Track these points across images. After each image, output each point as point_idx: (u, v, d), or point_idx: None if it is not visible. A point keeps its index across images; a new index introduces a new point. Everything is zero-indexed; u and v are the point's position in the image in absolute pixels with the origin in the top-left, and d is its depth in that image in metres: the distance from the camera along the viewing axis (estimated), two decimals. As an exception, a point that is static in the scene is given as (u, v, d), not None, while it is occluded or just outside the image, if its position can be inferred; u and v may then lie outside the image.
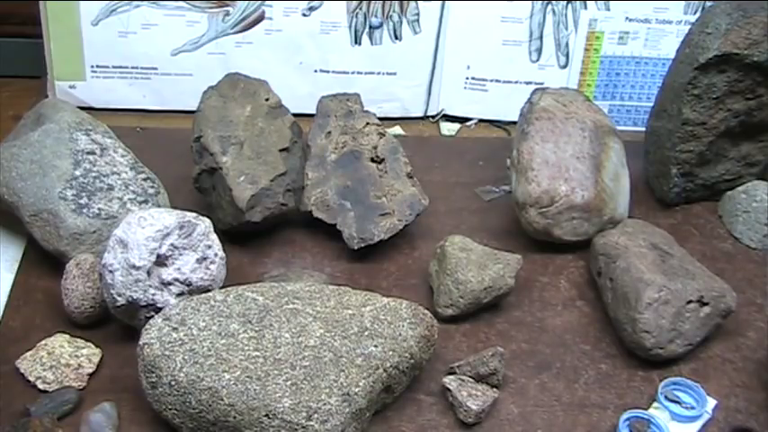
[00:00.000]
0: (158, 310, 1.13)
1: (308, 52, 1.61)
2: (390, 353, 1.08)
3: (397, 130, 1.63)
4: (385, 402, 1.11)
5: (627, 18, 1.60)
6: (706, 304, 1.19)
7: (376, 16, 1.59)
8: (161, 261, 1.15)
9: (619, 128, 1.46)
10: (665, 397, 1.14)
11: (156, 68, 1.60)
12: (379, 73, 1.64)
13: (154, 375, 1.04)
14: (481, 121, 1.67)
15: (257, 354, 1.05)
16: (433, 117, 1.67)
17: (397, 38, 1.61)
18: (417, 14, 1.60)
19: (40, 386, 1.11)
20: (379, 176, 1.36)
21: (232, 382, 1.02)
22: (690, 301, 1.18)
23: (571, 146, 1.35)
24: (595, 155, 1.36)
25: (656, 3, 1.59)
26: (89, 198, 1.26)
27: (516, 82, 1.64)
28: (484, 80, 1.65)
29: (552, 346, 1.23)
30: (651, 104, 1.50)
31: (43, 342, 1.16)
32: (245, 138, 1.35)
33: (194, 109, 1.40)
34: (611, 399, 1.16)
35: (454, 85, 1.65)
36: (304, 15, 1.58)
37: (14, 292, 1.25)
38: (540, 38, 1.61)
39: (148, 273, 1.13)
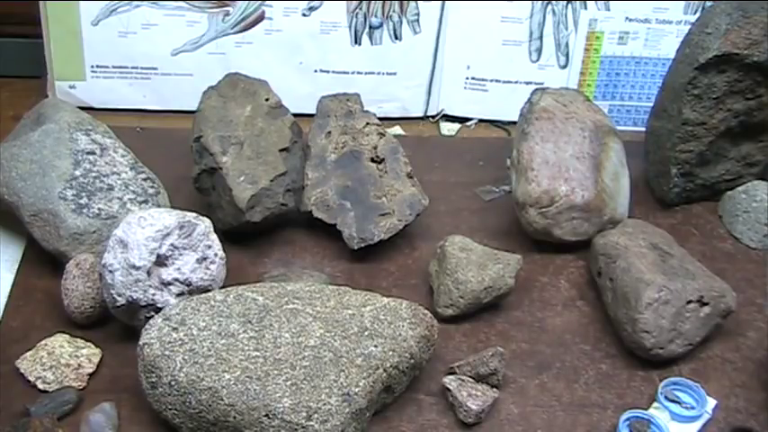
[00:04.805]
0: (158, 310, 1.13)
1: (308, 52, 1.61)
2: (390, 353, 1.08)
3: (397, 130, 1.63)
4: (385, 402, 1.11)
5: (627, 18, 1.60)
6: (706, 304, 1.19)
7: (376, 16, 1.59)
8: (161, 261, 1.15)
9: (619, 128, 1.46)
10: (665, 397, 1.14)
11: (156, 68, 1.60)
12: (379, 73, 1.64)
13: (154, 375, 1.04)
14: (481, 121, 1.67)
15: (257, 354, 1.05)
16: (433, 117, 1.67)
17: (397, 38, 1.61)
18: (417, 14, 1.60)
19: (40, 386, 1.11)
20: (379, 176, 1.36)
21: (232, 382, 1.02)
22: (690, 301, 1.18)
23: (571, 146, 1.35)
24: (595, 155, 1.36)
25: (656, 3, 1.59)
26: (89, 198, 1.26)
27: (516, 82, 1.64)
28: (484, 80, 1.65)
29: (552, 346, 1.23)
30: (651, 104, 1.50)
31: (43, 342, 1.16)
32: (245, 138, 1.35)
33: (194, 109, 1.40)
34: (611, 399, 1.16)
35: (454, 85, 1.65)
36: (304, 15, 1.58)
37: (14, 292, 1.25)
38: (540, 38, 1.61)
39: (148, 273, 1.13)
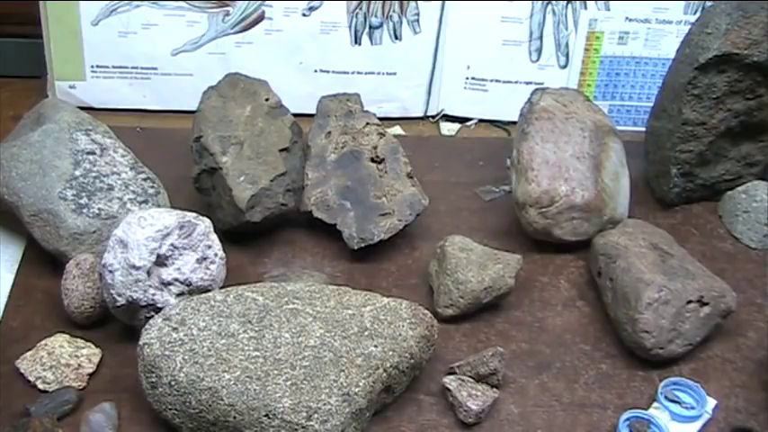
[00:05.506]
0: (158, 310, 1.13)
1: (308, 52, 1.61)
2: (390, 353, 1.08)
3: (397, 130, 1.63)
4: (385, 402, 1.11)
5: (627, 18, 1.60)
6: (706, 304, 1.19)
7: (376, 16, 1.59)
8: (161, 261, 1.15)
9: (619, 128, 1.46)
10: (665, 397, 1.14)
11: (156, 68, 1.60)
12: (379, 73, 1.64)
13: (154, 375, 1.04)
14: (481, 121, 1.67)
15: (257, 354, 1.05)
16: (433, 117, 1.67)
17: (397, 38, 1.61)
18: (417, 14, 1.60)
19: (40, 386, 1.11)
20: (379, 176, 1.36)
21: (232, 382, 1.02)
22: (690, 301, 1.18)
23: (571, 146, 1.35)
24: (595, 155, 1.36)
25: (656, 3, 1.59)
26: (89, 198, 1.26)
27: (516, 82, 1.64)
28: (484, 80, 1.65)
29: (552, 346, 1.23)
30: (651, 104, 1.50)
31: (43, 342, 1.16)
32: (245, 138, 1.35)
33: (194, 109, 1.40)
34: (611, 399, 1.16)
35: (454, 85, 1.65)
36: (304, 15, 1.58)
37: (14, 292, 1.25)
38: (540, 38, 1.61)
39: (148, 273, 1.13)
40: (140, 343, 1.06)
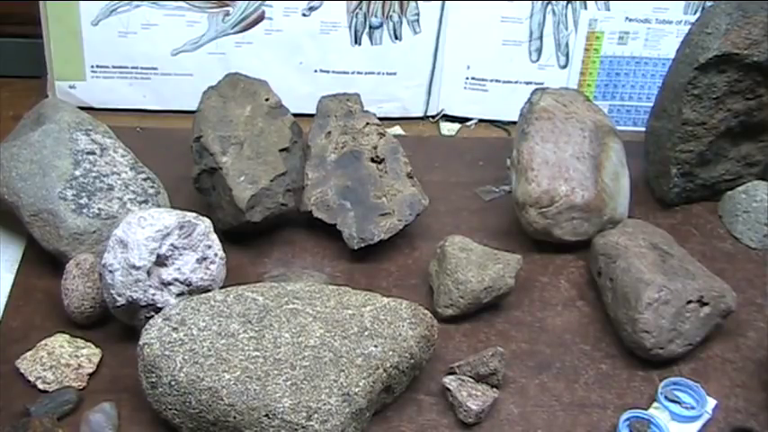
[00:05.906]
0: (158, 310, 1.13)
1: (308, 52, 1.61)
2: (390, 353, 1.08)
3: (397, 130, 1.63)
4: (385, 402, 1.11)
5: (627, 18, 1.60)
6: (706, 304, 1.19)
7: (376, 16, 1.59)
8: (161, 261, 1.15)
9: (619, 128, 1.46)
10: (665, 397, 1.14)
11: (156, 68, 1.60)
12: (379, 73, 1.64)
13: (154, 375, 1.04)
14: (481, 121, 1.67)
15: (257, 354, 1.05)
16: (433, 117, 1.67)
17: (397, 38, 1.61)
18: (417, 14, 1.60)
19: (40, 386, 1.11)
20: (379, 176, 1.36)
21: (232, 382, 1.02)
22: (690, 301, 1.18)
23: (571, 146, 1.35)
24: (595, 155, 1.36)
25: (656, 3, 1.59)
26: (89, 198, 1.26)
27: (516, 82, 1.64)
28: (484, 80, 1.65)
29: (552, 346, 1.23)
30: (651, 104, 1.50)
31: (43, 342, 1.16)
32: (245, 138, 1.35)
33: (194, 109, 1.40)
34: (611, 399, 1.16)
35: (454, 85, 1.65)
36: (304, 15, 1.58)
37: (14, 292, 1.25)
38: (540, 38, 1.61)
39: (148, 273, 1.13)
40: (140, 343, 1.06)
